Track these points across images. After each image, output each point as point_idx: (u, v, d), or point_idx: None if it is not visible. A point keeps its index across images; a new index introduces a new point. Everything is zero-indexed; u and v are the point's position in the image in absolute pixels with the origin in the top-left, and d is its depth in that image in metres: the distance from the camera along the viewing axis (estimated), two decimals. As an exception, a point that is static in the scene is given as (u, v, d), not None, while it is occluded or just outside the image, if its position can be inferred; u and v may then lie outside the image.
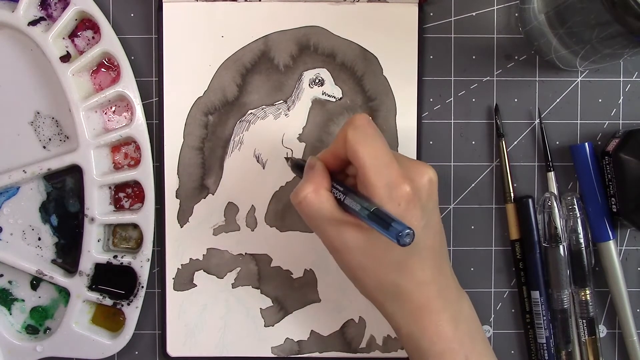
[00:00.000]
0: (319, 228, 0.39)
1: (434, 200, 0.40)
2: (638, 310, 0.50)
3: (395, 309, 0.40)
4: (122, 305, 0.48)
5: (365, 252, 0.38)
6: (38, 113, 0.49)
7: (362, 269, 0.39)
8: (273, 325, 0.50)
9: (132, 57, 0.48)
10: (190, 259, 0.49)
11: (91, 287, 0.49)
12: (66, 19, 0.47)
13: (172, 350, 0.49)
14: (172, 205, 0.49)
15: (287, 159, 0.48)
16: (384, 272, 0.39)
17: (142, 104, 0.48)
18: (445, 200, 0.49)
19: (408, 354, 0.42)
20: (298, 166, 0.44)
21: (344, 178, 0.42)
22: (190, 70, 0.48)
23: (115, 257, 0.48)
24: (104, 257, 0.48)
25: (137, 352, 0.50)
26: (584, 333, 0.49)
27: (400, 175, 0.37)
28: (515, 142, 0.49)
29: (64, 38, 0.48)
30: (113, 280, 0.49)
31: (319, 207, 0.38)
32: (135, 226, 0.49)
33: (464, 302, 0.42)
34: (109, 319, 0.50)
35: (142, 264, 0.48)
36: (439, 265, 0.40)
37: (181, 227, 0.49)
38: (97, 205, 0.48)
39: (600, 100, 0.49)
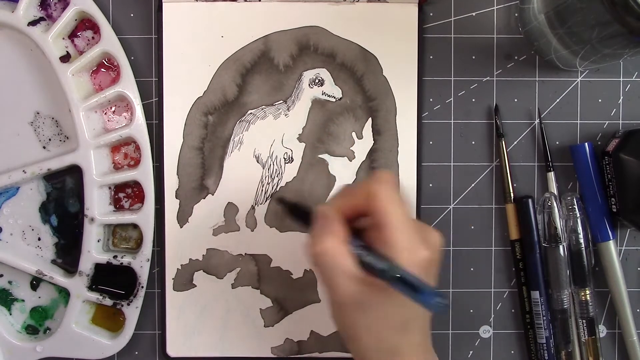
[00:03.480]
0: (336, 284, 0.37)
1: (440, 263, 0.39)
2: (638, 310, 0.50)
3: None
4: (122, 306, 0.48)
5: (376, 314, 0.37)
6: (38, 113, 0.49)
7: (366, 328, 0.38)
8: (273, 326, 0.50)
9: (132, 57, 0.48)
10: (190, 259, 0.49)
11: (91, 287, 0.49)
12: (66, 19, 0.47)
13: (171, 350, 0.49)
14: (172, 205, 0.49)
15: (278, 200, 0.46)
16: (386, 333, 0.38)
17: (142, 104, 0.48)
18: (445, 200, 0.49)
19: None
20: (295, 210, 0.42)
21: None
22: (190, 70, 0.48)
23: (115, 257, 0.48)
24: (104, 257, 0.48)
25: (137, 352, 0.50)
26: (584, 333, 0.49)
27: (420, 239, 0.37)
28: (515, 142, 0.49)
29: (63, 38, 0.48)
30: (113, 281, 0.49)
31: (341, 262, 0.37)
32: (135, 226, 0.49)
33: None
34: (108, 319, 0.50)
35: (142, 264, 0.48)
36: (427, 323, 0.40)
37: (181, 228, 0.49)
38: (97, 206, 0.48)
39: (600, 100, 0.49)
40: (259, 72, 0.48)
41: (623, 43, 0.38)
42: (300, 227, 0.47)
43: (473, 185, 0.50)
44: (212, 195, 0.49)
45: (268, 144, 0.49)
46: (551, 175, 0.49)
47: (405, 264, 0.36)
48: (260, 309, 0.50)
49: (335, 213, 0.38)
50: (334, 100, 0.48)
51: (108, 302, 0.49)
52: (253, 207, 0.49)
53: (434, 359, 0.41)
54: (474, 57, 0.49)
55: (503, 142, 0.49)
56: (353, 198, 0.38)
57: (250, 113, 0.48)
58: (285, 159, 0.49)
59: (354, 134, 0.49)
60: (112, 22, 0.48)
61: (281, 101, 0.48)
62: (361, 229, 0.39)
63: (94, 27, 0.48)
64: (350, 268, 0.37)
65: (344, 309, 0.38)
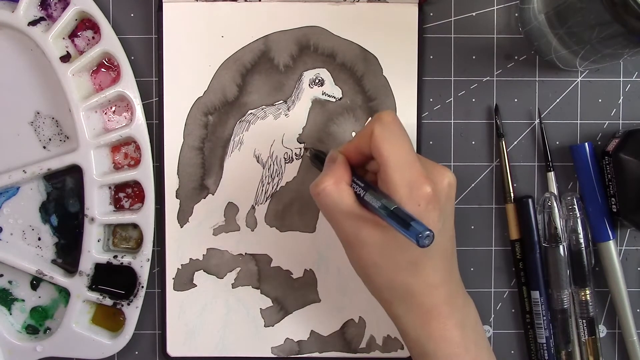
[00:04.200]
0: (336, 221, 0.39)
1: (452, 204, 0.40)
2: (638, 310, 0.50)
3: (403, 310, 0.40)
4: (122, 305, 0.48)
5: (380, 250, 0.38)
6: (38, 113, 0.49)
7: (375, 267, 0.39)
8: (273, 325, 0.50)
9: (132, 57, 0.48)
10: (190, 259, 0.49)
11: (91, 287, 0.49)
12: (66, 19, 0.47)
13: (172, 350, 0.49)
14: (172, 205, 0.49)
15: (306, 149, 0.48)
16: (396, 271, 0.39)
17: (142, 104, 0.48)
18: (445, 200, 0.49)
19: (412, 356, 0.42)
20: (317, 158, 0.44)
21: (364, 173, 0.42)
22: (190, 70, 0.48)
23: (115, 257, 0.48)
24: (104, 257, 0.48)
25: (137, 352, 0.50)
26: (584, 333, 0.49)
27: (422, 175, 0.37)
28: (515, 142, 0.49)
29: (64, 38, 0.48)
30: (113, 280, 0.49)
31: (338, 200, 0.38)
32: (135, 226, 0.49)
33: (471, 308, 0.42)
34: (109, 319, 0.50)
35: (142, 264, 0.48)
36: (449, 269, 0.40)
37: (181, 227, 0.49)
38: (97, 205, 0.48)
39: (600, 100, 0.49)
40: (259, 72, 0.48)
41: (623, 43, 0.38)
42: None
43: (473, 185, 0.50)
44: (213, 195, 0.49)
45: (268, 144, 0.49)
46: (551, 175, 0.49)
47: (404, 200, 0.36)
48: (260, 308, 0.50)
49: (339, 155, 0.40)
50: (334, 100, 0.48)
51: (108, 302, 0.49)
52: (253, 207, 0.49)
53: (465, 302, 0.41)
54: (474, 57, 0.49)
55: (503, 142, 0.49)
56: (358, 140, 0.40)
57: (251, 113, 0.48)
58: (285, 159, 0.49)
59: (354, 133, 0.49)
60: (112, 22, 0.48)
61: (281, 101, 0.48)
62: (373, 171, 0.41)
63: (94, 27, 0.48)
64: (347, 206, 0.38)
65: (350, 246, 0.39)
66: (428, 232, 0.33)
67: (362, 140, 0.39)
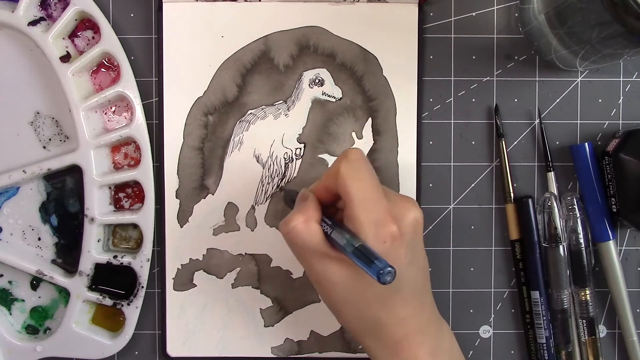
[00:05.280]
0: (304, 259, 0.39)
1: (419, 237, 0.40)
2: (638, 310, 0.50)
3: (373, 342, 0.40)
4: (122, 305, 0.49)
5: (348, 287, 0.39)
6: (38, 113, 0.49)
7: (343, 304, 0.39)
8: (273, 326, 0.50)
9: (132, 57, 0.48)
10: (190, 259, 0.49)
11: (91, 287, 0.49)
12: (66, 19, 0.47)
13: (172, 350, 0.49)
14: (172, 205, 0.49)
15: (281, 189, 0.49)
16: (365, 306, 0.39)
17: (142, 104, 0.48)
18: (445, 200, 0.49)
19: None
20: (291, 197, 0.44)
21: (334, 212, 0.42)
22: (190, 70, 0.48)
23: (115, 257, 0.48)
24: (104, 257, 0.48)
25: (137, 352, 0.50)
26: (584, 333, 0.49)
27: (387, 213, 0.37)
28: (515, 142, 0.49)
29: (64, 38, 0.48)
30: (113, 281, 0.49)
31: (307, 238, 0.38)
32: (135, 226, 0.49)
33: (445, 334, 0.42)
34: (109, 319, 0.50)
35: (142, 264, 0.48)
36: (420, 300, 0.40)
37: (181, 227, 0.49)
38: (97, 205, 0.48)
39: (600, 100, 0.49)
40: (259, 72, 0.48)
41: (623, 43, 0.38)
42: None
43: (473, 185, 0.50)
44: (212, 195, 0.49)
45: (268, 144, 0.49)
46: (551, 175, 0.49)
47: (369, 237, 0.37)
48: (260, 308, 0.50)
49: (310, 194, 0.40)
50: (334, 100, 0.48)
51: (108, 302, 0.49)
52: (253, 207, 0.49)
53: (438, 329, 0.41)
54: (474, 57, 0.49)
55: (503, 142, 0.49)
56: (326, 179, 0.40)
57: (250, 113, 0.48)
58: (285, 159, 0.49)
59: (354, 134, 0.49)
60: (112, 22, 0.48)
61: (281, 101, 0.48)
62: (342, 209, 0.40)
63: (94, 27, 0.48)
64: (316, 244, 0.38)
65: (319, 284, 0.40)
66: (390, 269, 0.33)
67: (330, 178, 0.39)
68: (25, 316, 0.50)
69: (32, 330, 0.50)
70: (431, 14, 0.49)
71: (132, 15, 0.48)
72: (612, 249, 0.48)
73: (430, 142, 0.49)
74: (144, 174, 0.48)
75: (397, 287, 0.38)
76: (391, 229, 0.37)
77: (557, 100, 0.49)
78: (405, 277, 0.38)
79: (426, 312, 0.41)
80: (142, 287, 0.48)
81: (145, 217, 0.48)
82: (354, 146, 0.48)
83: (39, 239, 0.50)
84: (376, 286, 0.38)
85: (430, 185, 0.49)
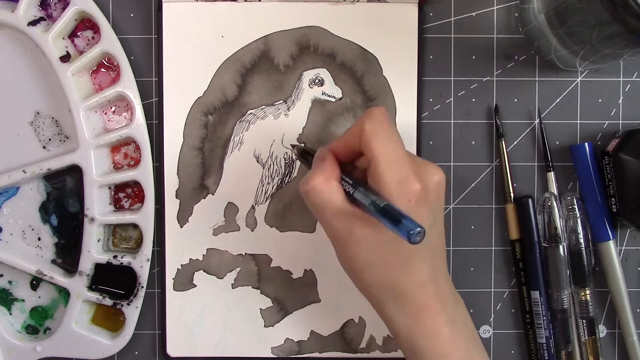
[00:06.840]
0: (325, 219, 0.39)
1: (441, 201, 0.40)
2: (638, 310, 0.50)
3: (394, 308, 0.40)
4: (122, 305, 0.48)
5: (371, 247, 0.38)
6: (38, 113, 0.49)
7: (365, 264, 0.39)
8: (273, 326, 0.50)
9: (132, 57, 0.48)
10: (190, 259, 0.49)
11: (91, 287, 0.49)
12: (66, 19, 0.47)
13: (172, 350, 0.49)
14: (172, 205, 0.49)
15: (293, 146, 0.48)
16: (386, 269, 0.39)
17: (142, 104, 0.48)
18: (446, 200, 0.49)
19: (405, 355, 0.42)
20: (305, 154, 0.44)
21: (352, 170, 0.42)
22: (190, 70, 0.48)
23: (115, 257, 0.48)
24: (103, 257, 0.48)
25: (137, 352, 0.50)
26: (584, 333, 0.49)
27: (412, 172, 0.37)
28: (515, 142, 0.49)
29: (63, 38, 0.48)
30: (113, 280, 0.49)
31: (327, 197, 0.38)
32: (135, 226, 0.49)
33: (460, 305, 0.42)
34: (109, 319, 0.50)
35: (142, 264, 0.48)
36: (438, 266, 0.40)
37: (181, 227, 0.49)
38: (97, 205, 0.48)
39: (600, 100, 0.49)
40: (259, 72, 0.48)
41: (623, 43, 0.38)
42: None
43: (473, 185, 0.50)
44: (212, 195, 0.49)
45: (268, 144, 0.49)
46: (551, 175, 0.49)
47: (394, 197, 0.37)
48: (260, 309, 0.50)
49: (328, 153, 0.40)
50: (334, 100, 0.48)
51: (108, 302, 0.49)
52: (253, 207, 0.49)
53: (454, 299, 0.41)
54: (474, 57, 0.49)
55: (503, 142, 0.49)
56: (348, 137, 0.40)
57: (250, 113, 0.48)
58: (285, 159, 0.49)
59: (354, 134, 0.49)
60: (112, 22, 0.48)
61: (281, 101, 0.48)
62: (362, 168, 0.40)
63: (94, 27, 0.48)
64: (336, 203, 0.38)
65: (341, 244, 0.39)
66: (419, 229, 0.33)
67: (352, 136, 0.39)
68: (25, 316, 0.50)
69: (32, 330, 0.50)
70: (431, 14, 0.49)
71: (132, 15, 0.48)
72: (612, 249, 0.48)
73: (430, 142, 0.49)
74: (144, 174, 0.48)
75: (417, 250, 0.38)
76: (416, 188, 0.37)
77: (557, 100, 0.49)
78: (426, 240, 0.37)
79: (443, 280, 0.41)
80: (142, 287, 0.48)
81: (145, 217, 0.48)
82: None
83: (39, 239, 0.50)
84: (398, 247, 0.38)
85: (430, 185, 0.49)
